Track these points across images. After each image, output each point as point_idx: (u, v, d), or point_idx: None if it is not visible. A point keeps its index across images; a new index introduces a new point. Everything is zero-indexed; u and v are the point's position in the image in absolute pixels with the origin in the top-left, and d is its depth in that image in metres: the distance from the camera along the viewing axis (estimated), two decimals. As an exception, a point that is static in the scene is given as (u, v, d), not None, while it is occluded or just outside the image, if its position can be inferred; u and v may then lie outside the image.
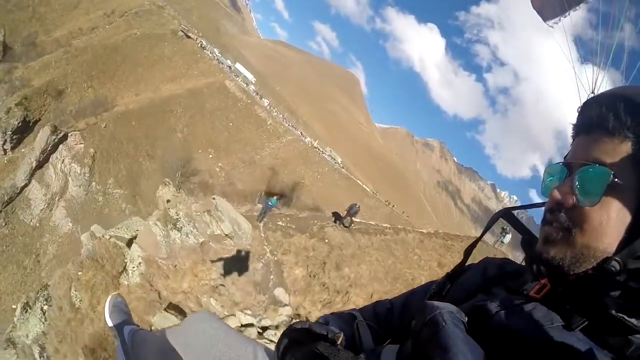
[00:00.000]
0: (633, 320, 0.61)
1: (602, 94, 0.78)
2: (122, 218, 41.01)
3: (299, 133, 61.07)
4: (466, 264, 0.99)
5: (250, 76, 60.12)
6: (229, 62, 62.38)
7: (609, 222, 0.68)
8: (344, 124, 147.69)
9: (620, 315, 0.62)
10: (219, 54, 62.70)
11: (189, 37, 62.78)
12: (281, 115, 61.61)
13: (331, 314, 1.03)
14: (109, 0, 66.67)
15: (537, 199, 1.00)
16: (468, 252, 0.98)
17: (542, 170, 0.89)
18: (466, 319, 0.70)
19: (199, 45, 63.62)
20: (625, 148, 0.68)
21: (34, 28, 58.67)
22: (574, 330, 0.64)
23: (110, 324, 1.89)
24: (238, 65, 60.28)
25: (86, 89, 48.55)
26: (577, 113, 0.80)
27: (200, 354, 1.14)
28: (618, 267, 0.66)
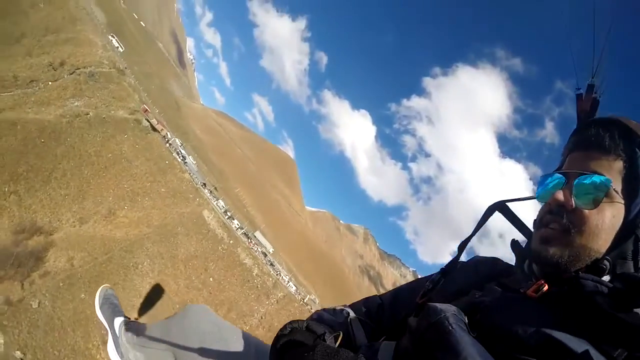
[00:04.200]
0: (622, 315, 0.64)
1: (600, 117, 0.86)
2: None
3: (287, 281, 46.23)
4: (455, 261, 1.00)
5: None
6: (193, 165, 47.77)
7: (603, 226, 0.75)
8: (285, 215, 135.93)
9: (612, 311, 0.65)
10: (184, 152, 48.16)
11: (154, 129, 46.21)
12: (264, 256, 46.44)
13: (323, 310, 1.03)
14: (59, 45, 45.44)
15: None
16: (462, 247, 0.99)
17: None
18: (466, 319, 0.71)
19: (165, 140, 47.63)
20: (618, 165, 0.77)
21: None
22: (570, 328, 0.65)
23: (100, 316, 1.82)
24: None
25: (7, 195, 28.72)
26: (573, 133, 0.88)
27: (196, 346, 1.15)
28: (608, 266, 0.73)
